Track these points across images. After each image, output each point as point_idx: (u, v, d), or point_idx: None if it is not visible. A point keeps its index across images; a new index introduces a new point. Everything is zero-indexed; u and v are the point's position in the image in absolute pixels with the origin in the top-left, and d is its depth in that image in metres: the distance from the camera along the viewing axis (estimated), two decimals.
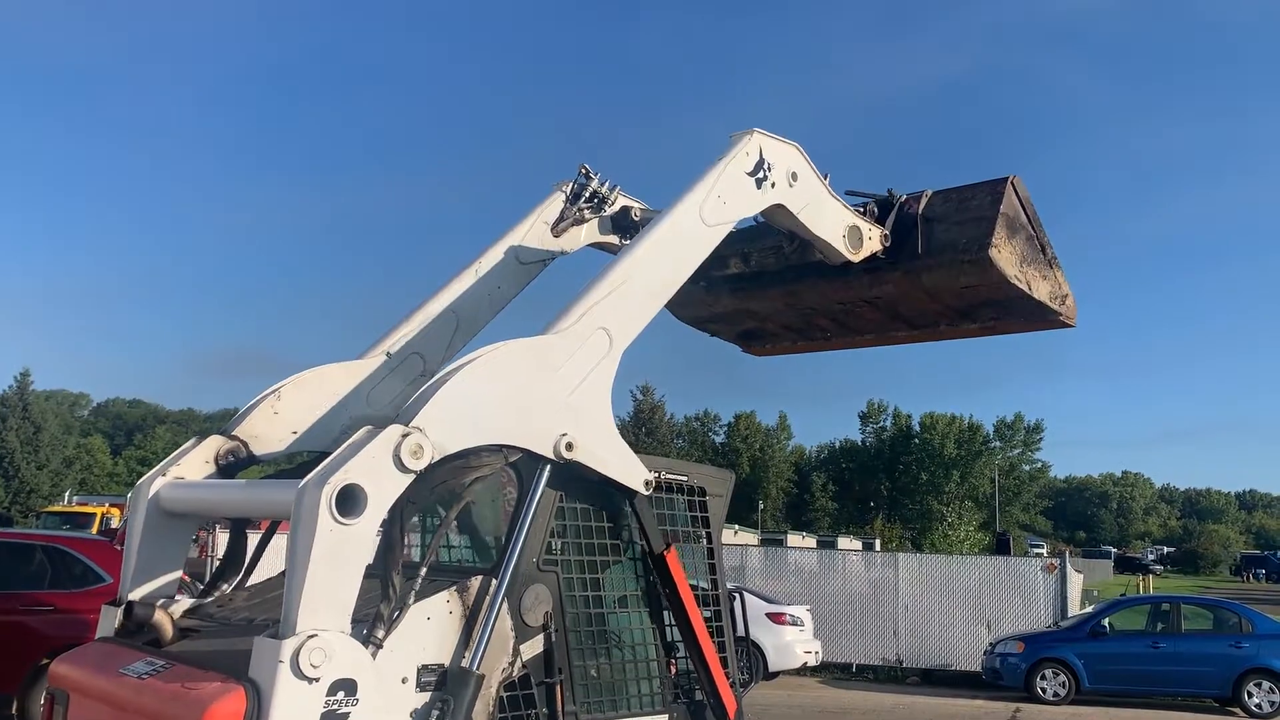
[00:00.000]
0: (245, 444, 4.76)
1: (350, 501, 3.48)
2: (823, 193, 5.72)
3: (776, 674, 18.53)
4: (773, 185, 5.40)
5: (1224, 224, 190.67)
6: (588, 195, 5.85)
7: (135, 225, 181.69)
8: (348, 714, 3.42)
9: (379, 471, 3.57)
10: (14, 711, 10.26)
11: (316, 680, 3.36)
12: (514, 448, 4.05)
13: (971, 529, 51.58)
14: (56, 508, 40.08)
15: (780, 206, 5.50)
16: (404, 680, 3.71)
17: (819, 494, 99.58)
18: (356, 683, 3.46)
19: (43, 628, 10.55)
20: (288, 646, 3.32)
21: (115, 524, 28.75)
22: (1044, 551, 23.89)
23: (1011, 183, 5.97)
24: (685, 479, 4.98)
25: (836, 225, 5.84)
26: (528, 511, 4.06)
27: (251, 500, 4.39)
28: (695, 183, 5.10)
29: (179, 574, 4.67)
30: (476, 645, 3.82)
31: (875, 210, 6.14)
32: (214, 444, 4.69)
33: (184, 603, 4.58)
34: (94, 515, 32.12)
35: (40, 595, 10.76)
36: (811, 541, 57.51)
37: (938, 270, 6.12)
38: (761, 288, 6.64)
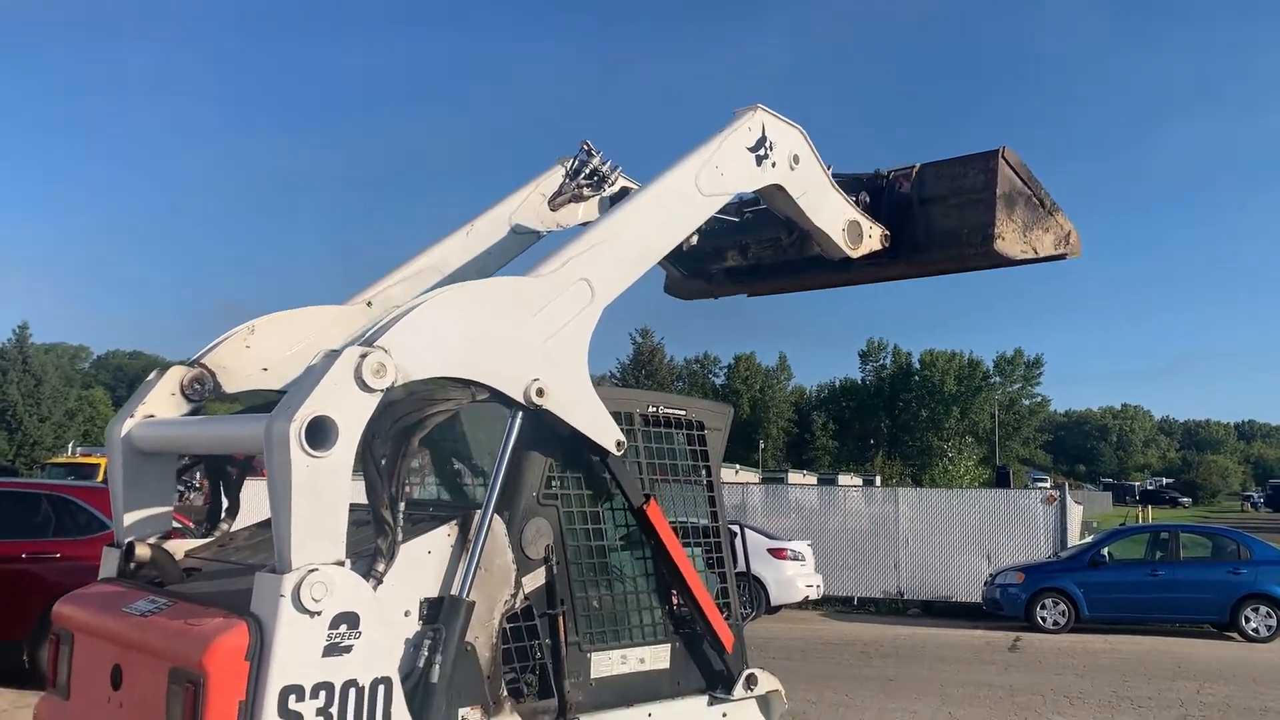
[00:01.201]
0: (212, 374, 4.65)
1: (320, 433, 3.41)
2: (824, 182, 5.61)
3: (779, 608, 18.78)
4: (773, 165, 5.30)
5: (1219, 153, 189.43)
6: (588, 172, 5.77)
7: (132, 173, 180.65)
8: (351, 646, 3.43)
9: (343, 396, 3.48)
10: (24, 657, 10.39)
11: (318, 614, 3.37)
12: (482, 385, 3.97)
13: (971, 464, 51.86)
14: (61, 459, 40.28)
15: (779, 188, 5.39)
16: (406, 613, 3.72)
17: (819, 433, 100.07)
18: (359, 615, 3.46)
19: (49, 575, 10.63)
20: (288, 581, 3.32)
21: None
22: (1047, 484, 24.07)
23: (1003, 157, 5.80)
24: (683, 413, 4.95)
25: (836, 218, 5.72)
26: (503, 454, 4.00)
27: (223, 435, 4.33)
28: (693, 150, 5.00)
29: (170, 511, 4.64)
30: (464, 574, 3.82)
31: (867, 199, 6.00)
32: (177, 374, 4.59)
33: (185, 542, 4.59)
34: (98, 466, 32.29)
35: (46, 543, 10.84)
36: (812, 479, 57.84)
37: (942, 261, 6.12)
38: (759, 279, 6.60)
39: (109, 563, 4.49)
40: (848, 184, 5.90)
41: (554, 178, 5.83)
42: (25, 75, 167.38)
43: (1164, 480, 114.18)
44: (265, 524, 4.59)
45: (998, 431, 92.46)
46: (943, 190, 5.98)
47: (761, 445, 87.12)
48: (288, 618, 3.30)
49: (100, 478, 29.75)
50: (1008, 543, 20.70)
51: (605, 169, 5.78)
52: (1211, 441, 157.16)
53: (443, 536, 3.86)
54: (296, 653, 3.32)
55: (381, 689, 3.49)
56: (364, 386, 3.51)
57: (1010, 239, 5.83)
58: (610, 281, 4.46)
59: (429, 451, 5.22)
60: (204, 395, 4.61)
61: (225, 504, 4.92)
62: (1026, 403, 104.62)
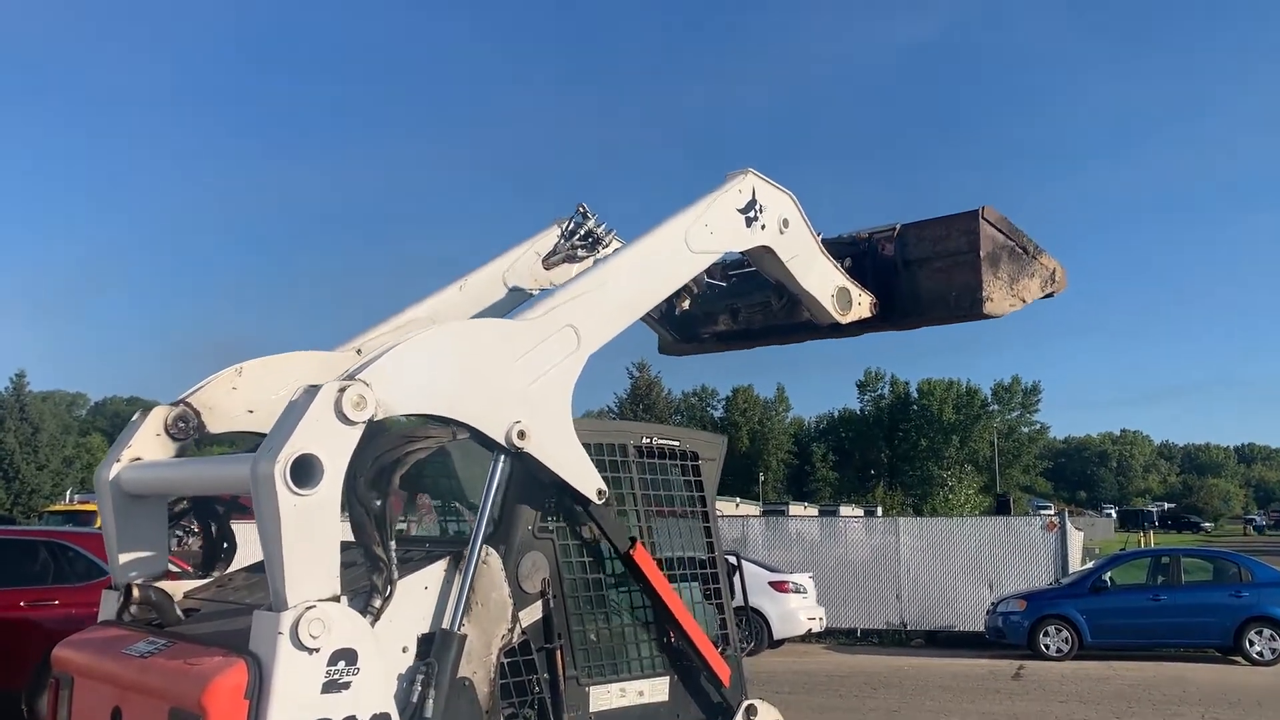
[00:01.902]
0: (197, 413, 4.67)
1: (305, 471, 3.43)
2: (814, 247, 5.70)
3: (781, 642, 18.68)
4: (763, 227, 5.39)
5: (1217, 177, 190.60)
6: (583, 234, 5.84)
7: (122, 220, 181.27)
8: (349, 682, 3.45)
9: (325, 432, 3.50)
10: (22, 706, 10.32)
11: (317, 650, 3.40)
12: (463, 425, 3.98)
13: (971, 492, 51.81)
14: (59, 506, 40.07)
15: (769, 250, 5.48)
16: (404, 649, 3.75)
17: (819, 464, 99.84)
18: (357, 652, 3.49)
19: (48, 623, 10.59)
20: (286, 619, 3.35)
21: None
22: (1052, 511, 23.98)
23: (983, 218, 5.91)
24: (677, 444, 5.00)
25: (825, 284, 5.79)
26: (487, 495, 4.03)
27: (209, 476, 4.35)
28: (684, 209, 5.10)
29: (164, 552, 4.66)
30: (455, 608, 3.84)
31: (850, 263, 6.07)
32: (161, 414, 4.62)
33: (184, 584, 4.61)
34: (96, 512, 32.19)
35: (44, 591, 10.81)
36: (813, 511, 57.70)
37: (931, 323, 6.25)
38: (749, 341, 6.71)
39: (108, 605, 4.51)
40: (837, 250, 5.97)
41: (549, 238, 5.90)
42: (14, 117, 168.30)
43: (1165, 505, 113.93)
44: (261, 564, 4.62)
45: (997, 459, 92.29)
46: (926, 252, 6.07)
47: (761, 478, 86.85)
48: (286, 655, 3.33)
49: (98, 524, 29.67)
50: (1009, 570, 20.63)
51: (600, 231, 5.84)
52: (1212, 465, 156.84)
53: (439, 572, 3.90)
54: (295, 690, 3.34)
55: None
56: (344, 419, 3.54)
57: (998, 298, 5.93)
58: (596, 330, 4.49)
59: (426, 489, 5.26)
60: (189, 434, 4.63)
61: (224, 545, 4.94)
62: (1025, 430, 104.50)
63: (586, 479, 4.31)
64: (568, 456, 4.26)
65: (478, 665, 3.94)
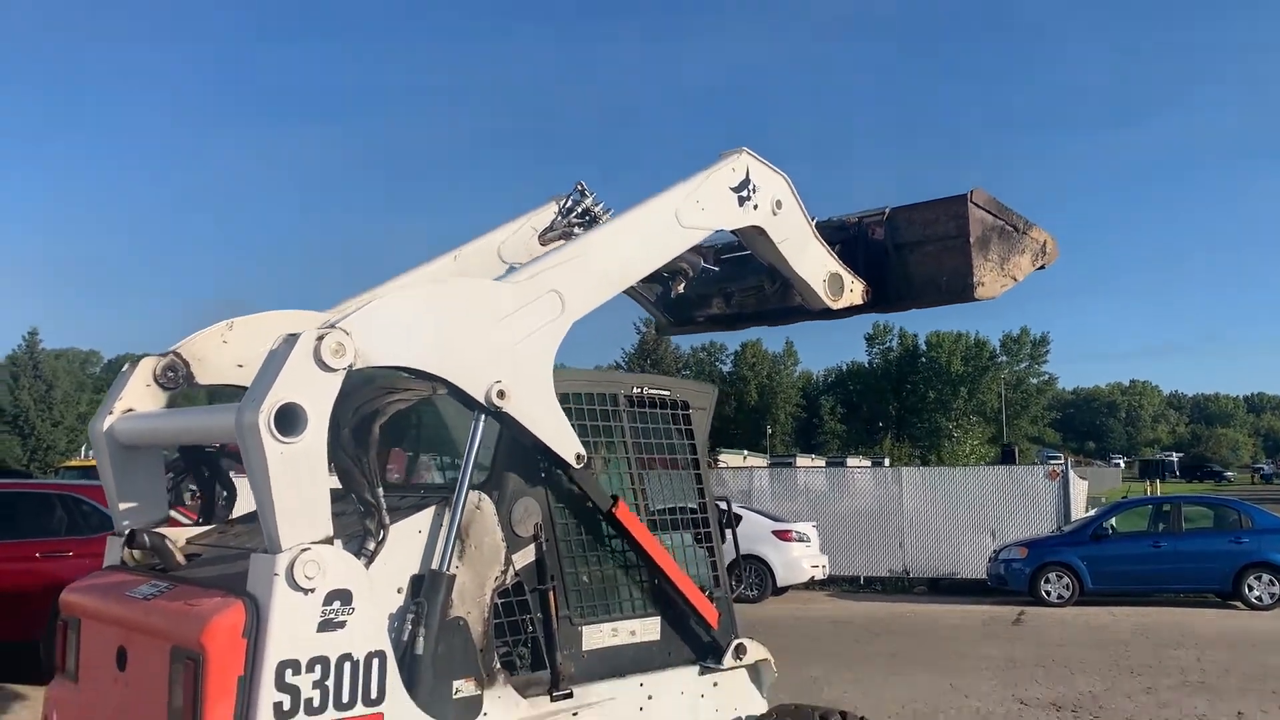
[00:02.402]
0: (186, 363, 4.72)
1: (289, 420, 3.47)
2: (806, 231, 5.68)
3: (785, 589, 18.93)
4: (755, 207, 5.37)
5: (1227, 130, 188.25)
6: (580, 211, 5.82)
7: (134, 176, 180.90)
8: (344, 622, 3.55)
9: (305, 380, 3.53)
10: (41, 656, 10.59)
11: (312, 591, 3.48)
12: (442, 380, 4.01)
13: (977, 443, 51.99)
14: (74, 462, 40.47)
15: (761, 231, 5.47)
16: (399, 590, 3.84)
17: (827, 417, 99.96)
18: (351, 592, 3.58)
19: (61, 572, 10.83)
20: (281, 561, 3.44)
21: None
22: (1068, 461, 24.10)
23: (971, 201, 5.88)
24: (668, 394, 5.07)
25: (818, 270, 5.78)
26: (469, 455, 4.06)
27: (199, 426, 4.43)
28: (677, 184, 5.08)
29: (163, 500, 4.74)
30: (443, 550, 3.92)
31: (841, 249, 6.06)
32: (149, 364, 4.67)
33: (186, 530, 4.74)
34: None
35: (59, 542, 11.04)
36: (820, 463, 57.96)
37: (923, 306, 6.26)
38: (742, 323, 6.75)
39: (112, 551, 4.63)
40: (828, 235, 5.97)
41: (546, 214, 5.89)
42: (26, 77, 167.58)
43: (1174, 455, 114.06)
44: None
45: (1005, 411, 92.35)
46: (916, 236, 6.09)
47: (769, 431, 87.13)
48: (282, 596, 3.42)
49: None
50: (1012, 519, 20.82)
51: (598, 210, 5.82)
52: (1221, 415, 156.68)
53: (431, 517, 3.98)
54: (292, 629, 3.44)
55: (376, 662, 3.61)
56: (324, 367, 3.56)
57: (989, 281, 5.97)
58: (581, 297, 4.50)
59: (420, 438, 5.36)
60: (178, 383, 4.68)
61: (224, 494, 5.06)
62: (1034, 381, 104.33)
63: (565, 443, 4.33)
64: (547, 419, 4.28)
65: (472, 606, 4.04)
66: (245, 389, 4.68)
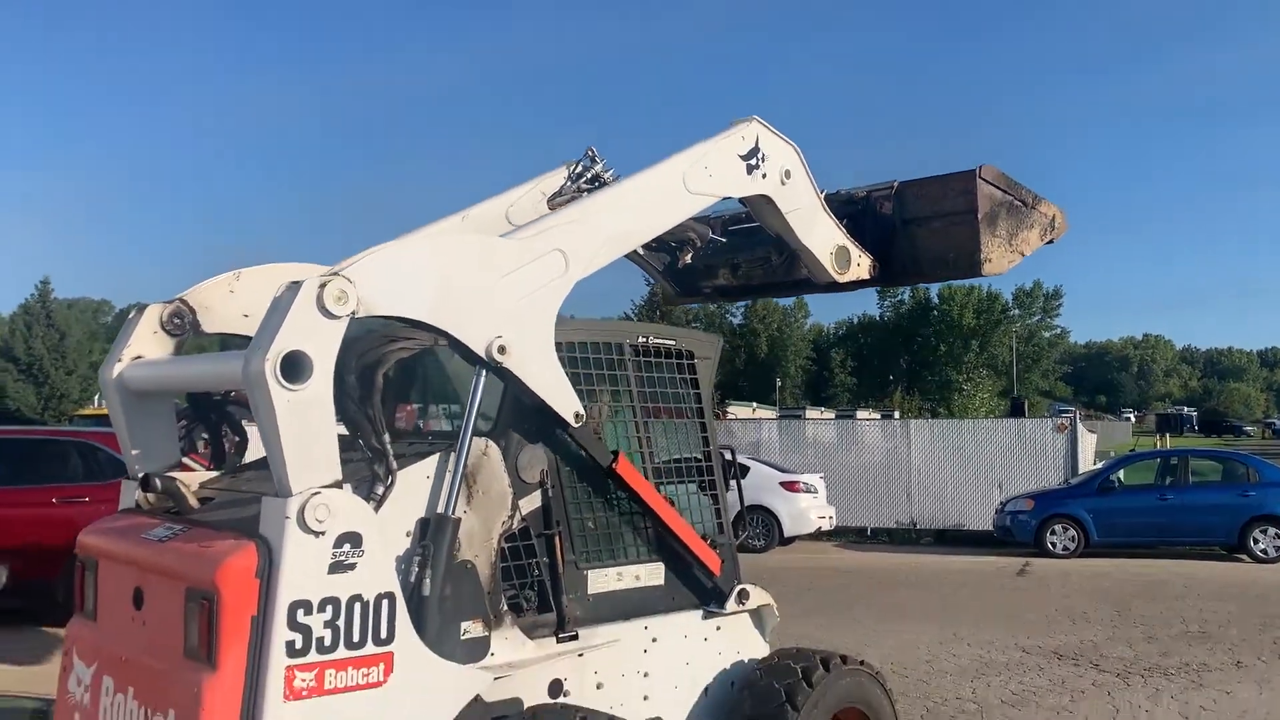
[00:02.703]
0: (192, 310, 4.77)
1: (294, 367, 3.52)
2: (815, 203, 5.66)
3: (792, 539, 19.10)
4: (763, 176, 5.35)
5: (1245, 75, 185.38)
6: (590, 177, 5.81)
7: (146, 126, 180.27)
8: (354, 564, 3.64)
9: (310, 327, 3.57)
10: (59, 598, 10.82)
11: (323, 534, 3.56)
12: (444, 333, 4.04)
13: (987, 396, 51.97)
14: (88, 410, 40.84)
15: (768, 201, 5.45)
16: (407, 534, 3.93)
17: (838, 370, 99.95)
18: (361, 535, 3.66)
19: (79, 517, 11.01)
20: (293, 504, 3.52)
21: None
22: (1076, 415, 24.05)
23: (980, 177, 5.87)
24: (673, 343, 5.11)
25: (825, 242, 5.78)
26: (470, 410, 4.11)
27: (206, 374, 4.50)
28: (685, 149, 5.06)
29: (175, 445, 4.83)
30: (449, 494, 3.99)
31: (849, 223, 6.05)
32: (155, 311, 4.73)
33: (200, 475, 4.83)
34: None
35: (75, 488, 11.22)
36: (830, 415, 58.08)
37: (929, 281, 6.29)
38: (748, 295, 6.80)
39: (127, 495, 4.73)
40: (836, 208, 5.96)
41: (556, 178, 5.88)
42: (36, 21, 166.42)
43: (1185, 409, 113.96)
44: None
45: (1016, 364, 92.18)
46: (925, 211, 6.08)
47: (779, 383, 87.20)
48: (294, 538, 3.50)
49: None
50: (1020, 472, 20.90)
51: (607, 176, 5.82)
52: (1234, 370, 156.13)
53: (440, 463, 4.05)
54: (303, 570, 3.52)
55: (385, 603, 3.70)
56: (327, 314, 3.59)
57: (997, 257, 5.98)
58: (585, 258, 4.50)
59: (428, 386, 5.42)
60: (184, 330, 4.74)
61: (236, 439, 5.14)
62: (1046, 335, 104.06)
63: (564, 401, 4.36)
64: (547, 377, 4.31)
65: (479, 549, 4.13)
66: (249, 339, 4.78)
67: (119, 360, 4.63)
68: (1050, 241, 6.36)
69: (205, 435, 5.21)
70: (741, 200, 5.53)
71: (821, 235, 5.73)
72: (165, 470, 4.64)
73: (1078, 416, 23.29)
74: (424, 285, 3.93)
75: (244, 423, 5.20)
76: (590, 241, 4.53)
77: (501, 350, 4.10)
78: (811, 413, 58.43)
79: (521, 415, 4.39)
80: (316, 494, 3.55)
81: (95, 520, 11.57)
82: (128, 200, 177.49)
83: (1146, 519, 17.89)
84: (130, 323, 4.76)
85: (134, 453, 4.72)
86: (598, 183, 5.83)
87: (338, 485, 3.64)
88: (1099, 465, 21.37)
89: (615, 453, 4.55)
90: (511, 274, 4.20)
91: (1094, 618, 12.01)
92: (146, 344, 4.69)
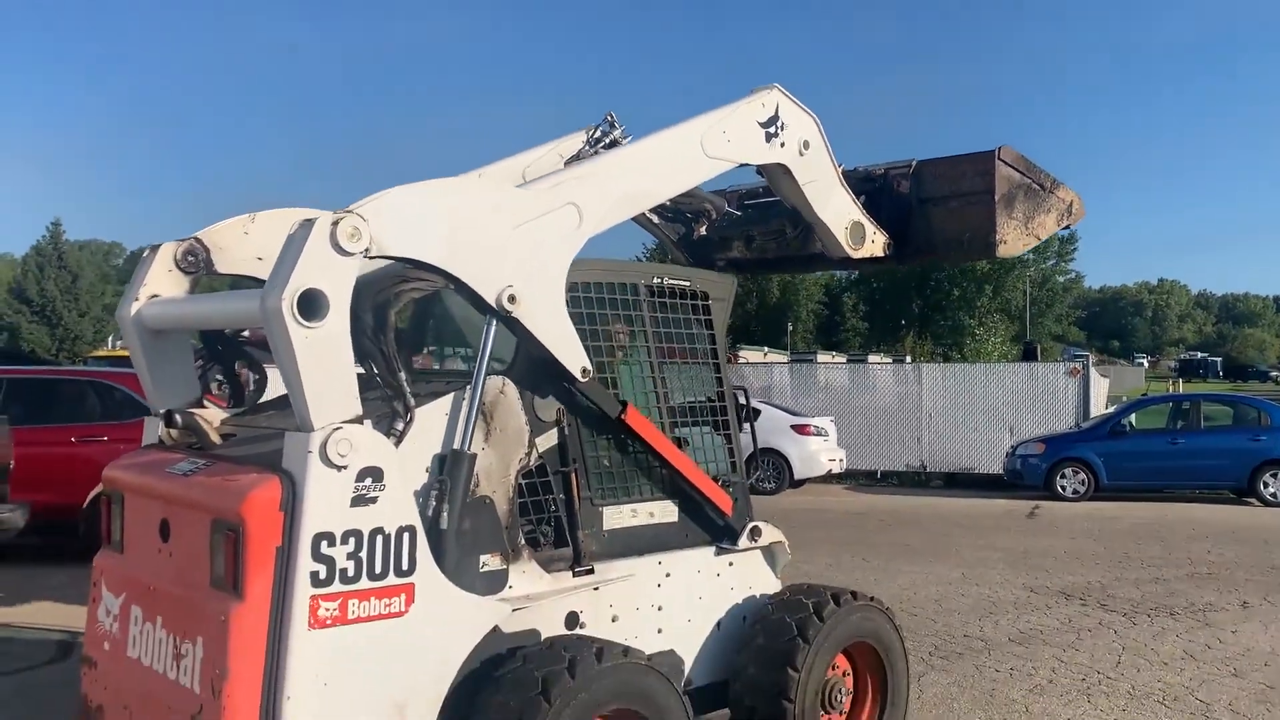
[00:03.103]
0: (206, 249, 4.78)
1: (311, 305, 3.54)
2: (832, 176, 5.65)
3: (802, 482, 19.25)
4: (782, 145, 5.34)
5: (1264, 20, 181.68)
6: (608, 142, 5.79)
7: (155, 71, 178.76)
8: (376, 498, 3.71)
9: (324, 265, 3.58)
10: (81, 534, 11.02)
11: (345, 468, 3.63)
12: (455, 279, 4.04)
13: (999, 340, 51.80)
14: (102, 352, 41.16)
15: (786, 171, 5.43)
16: (426, 469, 4.00)
17: (849, 315, 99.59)
18: (383, 470, 3.72)
19: (99, 456, 11.18)
20: (315, 439, 3.57)
21: None
22: (1089, 359, 23.98)
23: (999, 158, 5.86)
24: (688, 284, 5.12)
25: (841, 216, 5.77)
26: (482, 357, 4.14)
27: (223, 312, 4.53)
28: (705, 114, 5.06)
29: (195, 381, 4.88)
30: (465, 431, 4.05)
31: (866, 200, 6.04)
32: (170, 249, 4.74)
33: (220, 412, 4.89)
34: None
35: (93, 427, 11.38)
36: (841, 359, 58.06)
37: (943, 260, 6.41)
38: (763, 270, 6.84)
39: (150, 431, 4.80)
40: (853, 185, 5.95)
41: (574, 142, 5.86)
42: None
43: (1198, 354, 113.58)
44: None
45: (1029, 309, 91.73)
46: (942, 191, 6.07)
47: (790, 328, 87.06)
48: (316, 472, 3.57)
49: None
50: (1032, 416, 20.94)
51: (625, 141, 5.78)
52: (1249, 315, 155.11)
53: (455, 400, 4.10)
54: (326, 503, 3.60)
55: (406, 536, 3.79)
56: (340, 250, 3.61)
57: (1012, 239, 5.98)
58: (599, 213, 4.50)
59: (445, 328, 5.46)
60: (198, 268, 4.76)
61: (255, 377, 5.19)
62: (1060, 279, 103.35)
63: (572, 355, 4.37)
64: (556, 330, 4.32)
65: (497, 485, 4.20)
66: (261, 281, 4.80)
67: (136, 299, 4.67)
68: (1067, 227, 6.41)
69: (220, 376, 5.26)
70: (759, 169, 5.51)
71: (837, 209, 5.74)
72: (186, 406, 4.70)
73: (1090, 361, 23.25)
74: (437, 229, 3.93)
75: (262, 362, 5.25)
76: (605, 198, 4.53)
77: (512, 300, 4.12)
78: (823, 357, 58.48)
79: (538, 353, 4.43)
80: (338, 429, 3.61)
81: (114, 458, 11.73)
82: (139, 143, 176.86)
83: (1157, 463, 17.94)
84: (145, 261, 4.78)
85: (155, 390, 4.77)
86: (614, 146, 5.81)
87: (358, 421, 3.69)
88: (1111, 410, 21.39)
89: (624, 403, 4.58)
90: (525, 224, 4.20)
91: (1102, 559, 12.11)
92: (162, 282, 4.72)
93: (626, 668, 4.09)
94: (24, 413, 10.89)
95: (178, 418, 4.54)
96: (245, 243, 4.89)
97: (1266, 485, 17.23)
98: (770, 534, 5.24)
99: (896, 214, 6.09)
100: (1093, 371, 21.94)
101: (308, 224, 3.64)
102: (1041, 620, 9.00)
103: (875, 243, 5.95)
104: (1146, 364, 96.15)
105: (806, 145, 5.44)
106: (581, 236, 4.44)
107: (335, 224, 3.61)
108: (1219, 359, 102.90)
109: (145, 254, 4.83)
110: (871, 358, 60.81)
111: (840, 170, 5.71)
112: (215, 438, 4.51)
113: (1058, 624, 8.87)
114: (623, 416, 4.57)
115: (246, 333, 13.03)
